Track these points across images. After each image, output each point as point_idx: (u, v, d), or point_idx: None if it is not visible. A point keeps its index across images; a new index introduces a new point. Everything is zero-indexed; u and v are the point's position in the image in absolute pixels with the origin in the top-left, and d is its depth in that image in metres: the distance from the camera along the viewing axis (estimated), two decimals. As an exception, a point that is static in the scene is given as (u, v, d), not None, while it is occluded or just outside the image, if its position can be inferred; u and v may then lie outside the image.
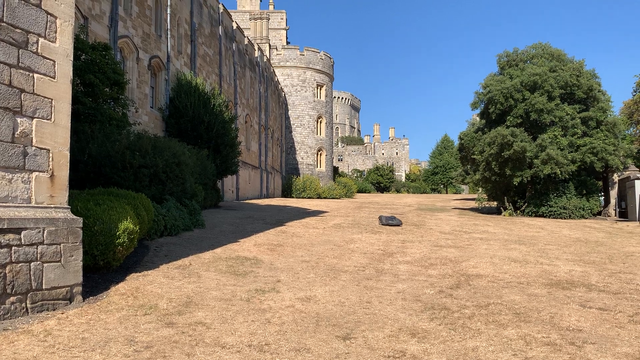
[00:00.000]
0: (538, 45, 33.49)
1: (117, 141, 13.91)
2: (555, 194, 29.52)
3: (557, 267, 11.90)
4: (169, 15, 25.14)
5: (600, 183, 32.54)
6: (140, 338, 6.16)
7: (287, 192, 54.03)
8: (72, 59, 7.68)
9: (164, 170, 14.70)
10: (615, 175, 32.04)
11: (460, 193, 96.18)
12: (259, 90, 46.02)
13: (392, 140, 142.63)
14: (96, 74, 14.30)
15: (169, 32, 25.17)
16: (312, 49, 61.59)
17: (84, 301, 7.54)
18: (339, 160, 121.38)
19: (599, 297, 8.88)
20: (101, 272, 8.99)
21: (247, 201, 36.51)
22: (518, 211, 30.79)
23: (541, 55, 32.43)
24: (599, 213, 31.72)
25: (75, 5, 8.24)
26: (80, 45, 13.94)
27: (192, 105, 24.50)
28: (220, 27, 34.43)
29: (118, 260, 9.17)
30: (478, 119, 36.15)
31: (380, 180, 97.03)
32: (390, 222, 20.34)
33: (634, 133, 60.34)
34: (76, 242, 7.49)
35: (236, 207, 27.68)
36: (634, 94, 60.44)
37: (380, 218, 21.38)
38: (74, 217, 7.59)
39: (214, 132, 24.62)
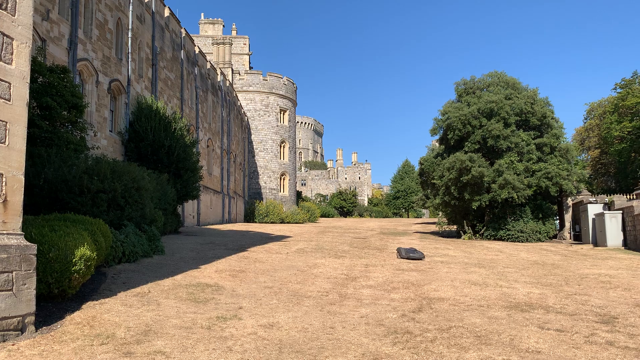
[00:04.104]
0: (494, 74, 34.67)
1: (75, 165, 13.58)
2: (512, 218, 30.28)
3: (515, 289, 12.14)
4: (130, 38, 24.94)
5: (556, 207, 33.57)
6: (96, 369, 5.94)
7: (250, 217, 53.57)
8: (28, 81, 7.50)
9: (123, 195, 14.40)
10: (569, 199, 33.15)
11: (421, 217, 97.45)
12: (222, 114, 45.88)
13: (354, 165, 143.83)
14: (54, 97, 13.99)
15: (129, 56, 24.94)
16: (275, 74, 62.01)
17: (36, 331, 7.24)
18: (302, 184, 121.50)
19: (556, 318, 9.09)
20: (56, 301, 8.66)
21: (208, 226, 36.01)
22: (477, 235, 31.39)
23: (497, 84, 33.56)
24: (555, 236, 32.64)
25: (33, 27, 8.09)
26: (37, 68, 13.64)
27: (153, 129, 24.20)
28: (182, 51, 34.34)
29: (74, 288, 8.86)
30: (437, 144, 36.95)
31: (344, 205, 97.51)
32: (412, 255, 17.94)
33: (586, 159, 62.82)
34: (29, 270, 7.21)
35: (197, 232, 27.25)
36: (585, 121, 63.19)
37: (398, 250, 18.70)
38: (28, 243, 7.33)
39: (174, 157, 24.33)
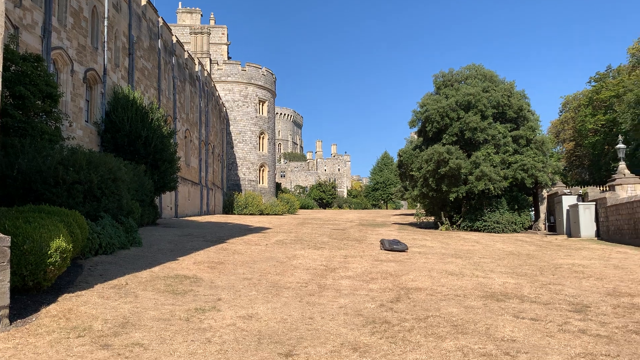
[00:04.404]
0: (472, 67, 34.95)
1: (50, 156, 13.34)
2: (489, 209, 30.69)
3: (491, 279, 12.33)
4: (106, 27, 24.50)
5: (531, 198, 34.12)
6: (72, 362, 5.88)
7: (228, 209, 53.28)
8: (0, 69, 7.34)
9: (99, 187, 14.21)
10: (544, 191, 33.71)
11: (399, 209, 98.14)
12: (200, 104, 45.45)
13: (334, 156, 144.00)
14: (27, 86, 13.69)
15: (105, 45, 24.50)
16: (254, 65, 61.59)
17: (11, 324, 7.13)
18: (281, 176, 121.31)
19: (531, 307, 9.27)
20: (31, 293, 8.53)
21: (186, 218, 35.76)
22: (454, 226, 31.75)
23: (475, 76, 33.85)
24: (530, 227, 33.20)
25: (5, 14, 7.87)
26: (10, 56, 13.33)
27: (129, 119, 23.86)
28: (159, 40, 33.86)
29: (49, 280, 8.73)
30: (416, 136, 37.19)
31: (323, 197, 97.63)
32: (395, 247, 17.71)
33: (561, 151, 63.90)
34: (3, 262, 7.09)
35: (175, 224, 27.04)
36: (560, 114, 64.22)
37: (382, 242, 18.47)
38: (1, 235, 7.20)
39: (151, 147, 24.05)
